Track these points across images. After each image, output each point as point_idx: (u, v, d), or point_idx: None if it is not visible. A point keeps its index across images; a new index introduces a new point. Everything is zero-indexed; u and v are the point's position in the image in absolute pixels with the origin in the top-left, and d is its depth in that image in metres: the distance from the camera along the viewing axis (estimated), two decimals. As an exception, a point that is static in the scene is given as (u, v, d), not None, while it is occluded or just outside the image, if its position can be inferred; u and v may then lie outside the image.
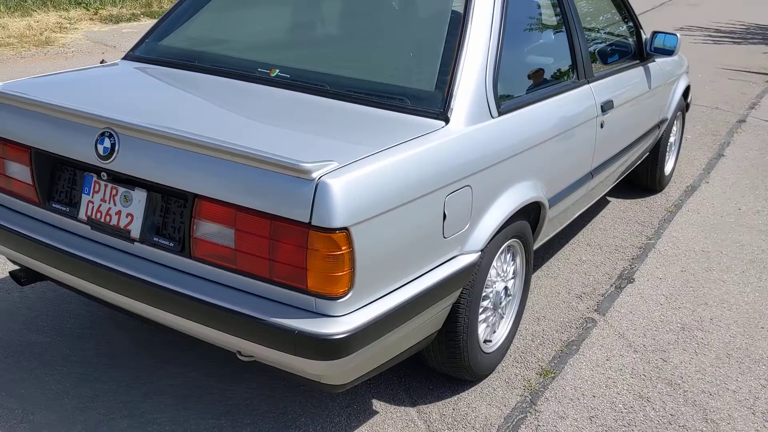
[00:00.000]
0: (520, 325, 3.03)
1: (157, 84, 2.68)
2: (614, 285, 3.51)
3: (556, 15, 3.05)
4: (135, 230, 2.08)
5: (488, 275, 2.48)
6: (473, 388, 2.66)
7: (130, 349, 2.77)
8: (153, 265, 2.07)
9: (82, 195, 2.18)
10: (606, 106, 3.18)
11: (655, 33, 3.84)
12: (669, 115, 4.34)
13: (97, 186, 2.15)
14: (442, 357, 2.48)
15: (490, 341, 2.67)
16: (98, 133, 2.09)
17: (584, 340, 3.03)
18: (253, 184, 1.86)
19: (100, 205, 2.14)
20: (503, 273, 2.65)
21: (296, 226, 1.81)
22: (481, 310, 2.53)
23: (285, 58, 2.63)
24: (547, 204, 2.74)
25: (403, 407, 2.54)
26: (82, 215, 2.18)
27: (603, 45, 3.54)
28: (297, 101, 2.39)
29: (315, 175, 1.78)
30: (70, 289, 2.40)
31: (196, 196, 1.95)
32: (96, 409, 2.43)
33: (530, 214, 2.73)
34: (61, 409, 2.42)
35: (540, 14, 3.00)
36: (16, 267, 2.55)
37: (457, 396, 2.61)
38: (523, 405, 2.59)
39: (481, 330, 2.57)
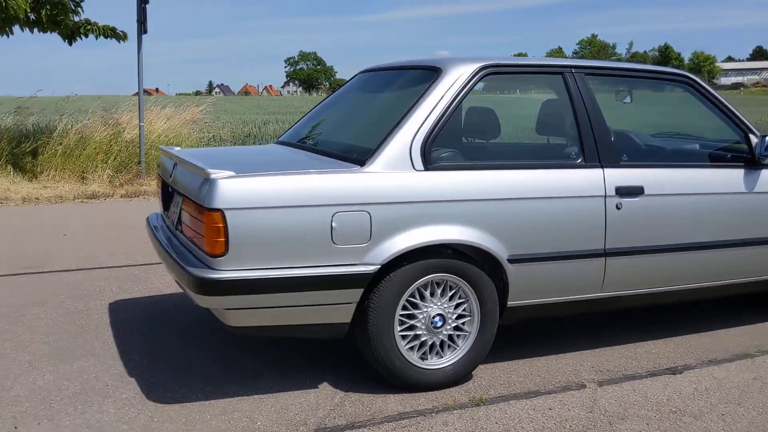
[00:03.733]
0: (503, 375, 3.40)
1: (256, 149, 4.14)
2: (650, 372, 3.48)
3: (557, 111, 3.60)
4: (175, 221, 3.42)
5: (405, 294, 3.11)
6: (402, 393, 3.18)
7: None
8: (175, 240, 3.38)
9: (171, 203, 3.62)
10: (625, 191, 3.45)
11: (763, 136, 3.80)
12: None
13: (173, 196, 3.57)
14: (363, 349, 3.18)
15: (427, 360, 3.21)
16: (173, 164, 3.53)
17: (551, 393, 3.21)
18: (195, 184, 3.05)
19: (172, 207, 3.55)
20: (439, 302, 3.20)
21: (201, 208, 2.93)
22: (405, 325, 3.15)
23: (314, 134, 3.97)
24: (501, 256, 3.21)
25: (334, 386, 3.24)
26: (167, 214, 3.62)
27: (658, 142, 3.79)
28: (299, 154, 3.61)
29: (212, 177, 2.89)
30: None
31: (183, 195, 3.21)
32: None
33: (480, 261, 3.23)
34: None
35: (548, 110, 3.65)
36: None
37: (385, 393, 3.18)
38: (425, 410, 3.03)
39: (407, 343, 3.15)
